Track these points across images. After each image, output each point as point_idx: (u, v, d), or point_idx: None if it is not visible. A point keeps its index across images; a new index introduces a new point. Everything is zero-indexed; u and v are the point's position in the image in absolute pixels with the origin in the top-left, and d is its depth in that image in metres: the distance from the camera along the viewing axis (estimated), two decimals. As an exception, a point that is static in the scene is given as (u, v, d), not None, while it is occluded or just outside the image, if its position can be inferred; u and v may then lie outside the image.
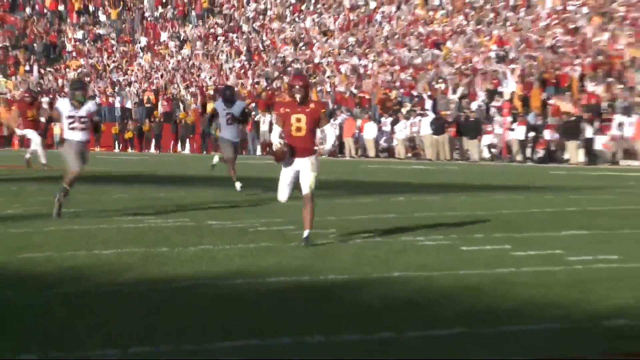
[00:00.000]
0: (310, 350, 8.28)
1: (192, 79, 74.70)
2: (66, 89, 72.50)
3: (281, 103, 15.51)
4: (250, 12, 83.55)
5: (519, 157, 48.53)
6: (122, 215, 20.06)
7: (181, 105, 69.44)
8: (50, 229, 17.69)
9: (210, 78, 73.78)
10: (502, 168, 42.67)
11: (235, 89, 68.98)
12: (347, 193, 27.06)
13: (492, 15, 64.86)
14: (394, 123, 54.77)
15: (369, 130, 55.33)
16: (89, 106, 19.24)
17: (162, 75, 78.38)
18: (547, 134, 47.73)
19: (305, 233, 14.78)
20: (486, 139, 50.36)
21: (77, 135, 18.52)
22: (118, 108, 74.31)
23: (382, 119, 56.31)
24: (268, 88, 66.08)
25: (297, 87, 14.51)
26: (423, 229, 17.44)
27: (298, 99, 14.48)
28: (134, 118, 71.07)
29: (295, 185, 14.97)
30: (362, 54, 67.89)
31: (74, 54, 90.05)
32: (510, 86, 52.78)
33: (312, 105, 14.75)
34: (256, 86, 68.86)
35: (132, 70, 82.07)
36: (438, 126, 51.48)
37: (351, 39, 71.25)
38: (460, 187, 29.05)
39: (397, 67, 63.13)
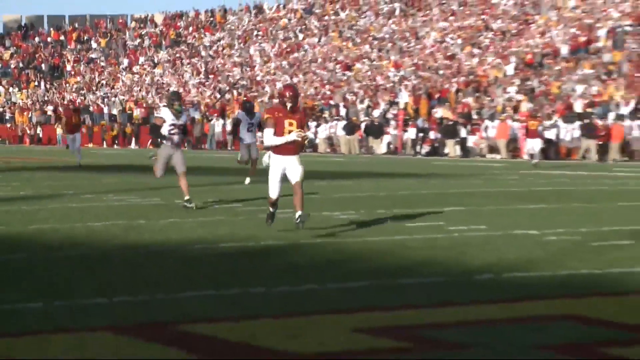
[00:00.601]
0: (254, 299, 8.22)
1: (163, 92, 74.31)
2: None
3: (274, 108, 14.06)
4: (207, 42, 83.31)
5: (410, 152, 48.74)
6: (110, 196, 19.85)
7: (155, 112, 69.30)
8: (54, 206, 17.47)
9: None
10: (399, 160, 42.68)
11: (196, 99, 69.34)
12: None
13: (390, 44, 65.10)
14: (317, 126, 54.77)
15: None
16: (185, 116, 18.05)
17: (140, 89, 78.06)
18: (432, 134, 47.97)
19: (298, 214, 12.82)
20: (386, 138, 50.42)
21: (175, 139, 17.14)
22: (106, 114, 73.65)
23: (308, 123, 56.29)
24: (221, 100, 66.34)
25: (288, 96, 13.21)
26: (339, 206, 17.35)
27: (289, 107, 13.12)
28: (119, 122, 70.71)
29: (283, 182, 13.13)
30: (293, 73, 67.85)
31: (72, 72, 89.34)
32: (404, 98, 52.89)
33: (300, 112, 13.50)
34: (212, 98, 68.81)
35: (117, 85, 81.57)
36: (350, 128, 51.56)
37: (284, 63, 71.23)
38: (367, 174, 29.03)
39: (318, 84, 63.26)
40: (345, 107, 55.90)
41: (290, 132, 12.86)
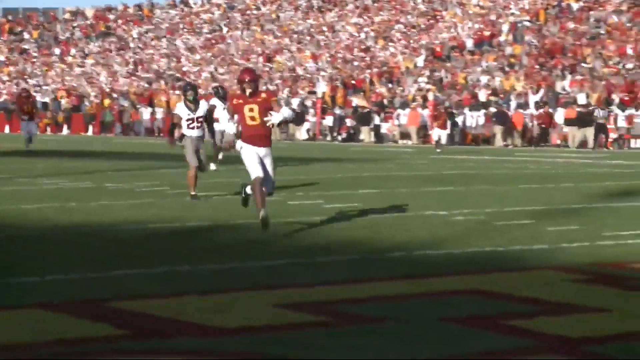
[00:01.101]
0: (180, 276, 8.19)
1: (93, 82, 73.44)
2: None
3: (234, 95, 12.39)
4: (136, 34, 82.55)
5: (328, 138, 48.88)
6: (43, 180, 19.58)
7: (85, 100, 68.34)
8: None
9: (106, 82, 73.07)
10: (317, 146, 42.83)
11: (125, 88, 68.65)
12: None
13: (308, 38, 65.25)
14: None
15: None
16: (203, 107, 16.40)
17: (71, 79, 77.07)
18: (348, 122, 48.20)
19: (262, 212, 10.83)
20: (306, 125, 50.50)
21: (195, 133, 15.79)
22: (39, 102, 72.54)
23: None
24: (149, 88, 65.91)
25: (246, 81, 11.62)
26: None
27: (248, 93, 11.49)
28: (51, 110, 69.66)
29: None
30: (217, 64, 67.64)
31: (6, 62, 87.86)
32: (322, 88, 53.05)
33: (263, 96, 11.78)
34: (139, 87, 68.31)
35: (49, 75, 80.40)
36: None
37: (209, 54, 70.93)
38: (288, 159, 29.06)
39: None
40: (267, 96, 55.79)
41: (252, 118, 11.24)
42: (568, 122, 39.73)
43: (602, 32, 48.22)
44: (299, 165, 25.67)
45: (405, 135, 45.85)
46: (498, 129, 41.43)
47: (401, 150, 38.82)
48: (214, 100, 24.20)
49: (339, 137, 48.40)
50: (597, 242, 10.55)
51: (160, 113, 59.19)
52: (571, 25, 50.66)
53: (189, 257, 9.23)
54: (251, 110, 11.27)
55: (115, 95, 66.88)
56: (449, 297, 7.30)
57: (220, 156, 22.78)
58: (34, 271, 8.19)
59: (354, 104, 49.26)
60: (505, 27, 53.30)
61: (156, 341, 5.76)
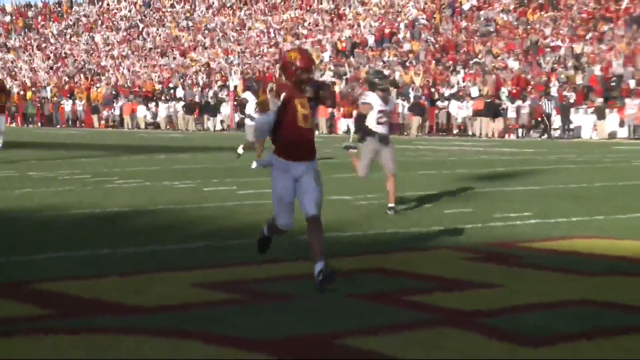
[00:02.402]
0: (102, 259, 8.09)
1: (15, 75, 71.83)
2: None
3: (283, 85, 7.28)
4: (56, 30, 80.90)
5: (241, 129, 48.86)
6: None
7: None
8: None
9: (27, 75, 71.52)
10: (230, 136, 42.51)
11: (46, 81, 67.21)
12: (124, 152, 26.49)
13: (221, 34, 64.92)
14: (157, 106, 54.12)
15: (140, 111, 54.48)
16: (392, 101, 13.53)
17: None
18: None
19: (318, 266, 6.73)
20: (219, 117, 50.23)
21: (382, 129, 11.93)
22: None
23: (150, 104, 55.36)
24: (69, 81, 64.83)
25: (301, 65, 7.11)
26: (178, 177, 17.21)
27: (302, 82, 7.09)
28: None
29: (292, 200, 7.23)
30: (135, 59, 66.80)
31: None
32: (234, 81, 52.81)
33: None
34: (60, 80, 67.10)
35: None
36: (188, 108, 51.18)
37: (127, 49, 69.95)
38: (202, 149, 28.88)
39: (158, 69, 62.50)
40: (183, 89, 55.36)
41: (304, 117, 7.06)
42: (476, 113, 40.26)
43: (492, 29, 48.95)
44: (214, 155, 25.50)
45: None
46: (416, 120, 41.66)
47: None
48: (247, 94, 22.16)
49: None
50: (489, 223, 10.74)
51: (80, 105, 58.27)
52: (464, 23, 51.34)
53: (110, 240, 9.12)
54: (303, 106, 7.08)
55: (36, 88, 65.51)
56: (353, 275, 7.34)
57: (240, 150, 20.54)
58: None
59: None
60: (403, 25, 53.75)
61: (79, 320, 5.69)
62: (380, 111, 11.81)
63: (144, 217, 11.52)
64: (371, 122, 11.84)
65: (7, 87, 39.02)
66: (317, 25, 60.00)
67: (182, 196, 13.75)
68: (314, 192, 6.98)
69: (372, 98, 11.92)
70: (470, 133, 40.61)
